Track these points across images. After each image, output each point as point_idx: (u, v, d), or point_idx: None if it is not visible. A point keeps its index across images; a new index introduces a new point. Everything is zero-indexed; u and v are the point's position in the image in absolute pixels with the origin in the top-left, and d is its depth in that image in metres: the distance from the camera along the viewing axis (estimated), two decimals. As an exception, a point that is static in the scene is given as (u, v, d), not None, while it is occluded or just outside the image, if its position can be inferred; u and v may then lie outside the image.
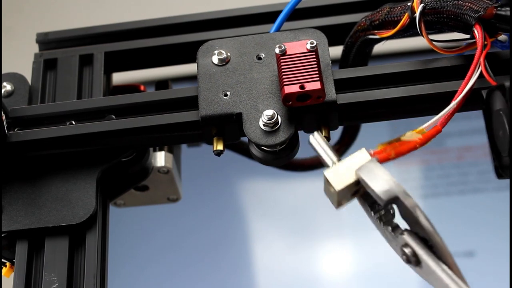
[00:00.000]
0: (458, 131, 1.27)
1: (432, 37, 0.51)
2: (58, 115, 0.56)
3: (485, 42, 0.49)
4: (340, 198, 0.46)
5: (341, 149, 0.66)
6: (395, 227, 0.45)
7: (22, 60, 0.73)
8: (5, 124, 0.54)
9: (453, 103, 0.48)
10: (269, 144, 0.51)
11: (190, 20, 0.63)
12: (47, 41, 0.63)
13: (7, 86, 0.59)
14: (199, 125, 0.53)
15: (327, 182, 0.46)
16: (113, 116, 0.55)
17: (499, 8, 0.49)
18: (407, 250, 0.44)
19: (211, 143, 0.53)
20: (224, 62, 0.54)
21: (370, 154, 0.46)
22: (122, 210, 0.67)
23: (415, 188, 1.24)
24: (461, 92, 0.48)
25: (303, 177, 1.12)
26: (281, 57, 0.51)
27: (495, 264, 1.12)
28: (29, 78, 0.60)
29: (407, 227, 0.45)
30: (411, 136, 0.47)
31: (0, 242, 0.53)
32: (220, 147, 0.53)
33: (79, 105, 0.56)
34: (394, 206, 0.45)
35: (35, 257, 0.52)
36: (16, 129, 0.55)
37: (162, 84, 0.64)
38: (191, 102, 0.54)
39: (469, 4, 0.49)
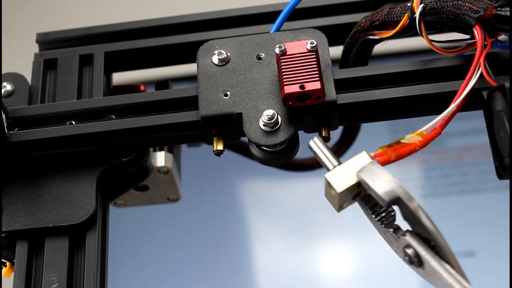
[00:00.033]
0: (458, 131, 1.27)
1: (432, 37, 0.51)
2: (58, 115, 0.56)
3: (485, 43, 0.49)
4: (341, 201, 0.46)
5: (341, 149, 0.66)
6: (397, 229, 0.45)
7: (22, 60, 0.73)
8: (5, 124, 0.54)
9: (453, 105, 0.48)
10: (269, 144, 0.51)
11: (190, 20, 0.63)
12: (47, 41, 0.63)
13: (7, 86, 0.59)
14: (199, 125, 0.53)
15: (328, 185, 0.46)
16: (113, 116, 0.55)
17: (499, 8, 0.49)
18: (409, 251, 0.44)
19: (211, 143, 0.53)
20: (224, 62, 0.54)
21: (371, 157, 0.46)
22: (122, 210, 0.67)
23: (415, 188, 1.24)
24: (461, 94, 0.48)
25: (303, 177, 1.12)
26: (281, 57, 0.51)
27: (495, 264, 1.12)
28: (29, 78, 0.60)
29: (408, 228, 0.45)
30: (411, 138, 0.47)
31: (0, 242, 0.53)
32: (220, 147, 0.53)
33: (79, 105, 0.56)
34: (395, 208, 0.45)
35: (35, 257, 0.52)
36: (16, 129, 0.55)
37: (162, 84, 0.65)
38: (191, 102, 0.54)
39: (469, 5, 0.49)
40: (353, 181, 0.45)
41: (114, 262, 0.96)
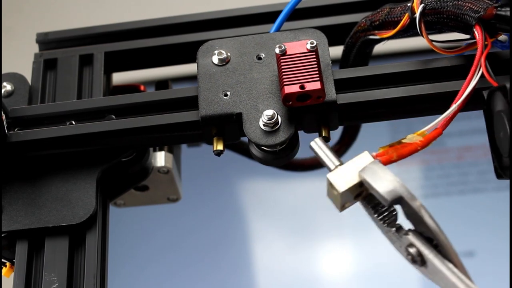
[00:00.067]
0: (458, 131, 1.27)
1: (432, 37, 0.51)
2: (58, 115, 0.56)
3: (486, 42, 0.49)
4: (343, 200, 0.46)
5: (341, 149, 0.66)
6: (399, 228, 0.45)
7: (22, 60, 0.73)
8: (5, 124, 0.54)
9: (454, 106, 0.48)
10: (269, 144, 0.51)
11: (190, 20, 0.63)
12: (47, 41, 0.63)
13: (7, 86, 0.59)
14: (199, 125, 0.53)
15: (330, 185, 0.46)
16: (113, 116, 0.55)
17: (499, 8, 0.49)
18: (412, 250, 0.44)
19: (211, 143, 0.53)
20: (224, 62, 0.54)
21: (373, 157, 0.46)
22: (122, 210, 0.67)
23: (415, 188, 1.24)
24: (462, 94, 0.48)
25: (303, 177, 1.12)
26: (281, 57, 0.51)
27: (495, 264, 1.12)
28: (29, 78, 0.60)
29: (411, 227, 0.45)
30: (413, 138, 0.47)
31: (0, 242, 0.53)
32: (220, 147, 0.53)
33: (79, 105, 0.56)
34: (397, 207, 0.45)
35: (35, 257, 0.52)
36: (16, 129, 0.55)
37: (162, 84, 0.64)
38: (191, 102, 0.54)
39: (469, 5, 0.49)
40: (355, 181, 0.45)
41: (114, 262, 0.96)
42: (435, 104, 0.52)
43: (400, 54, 1.16)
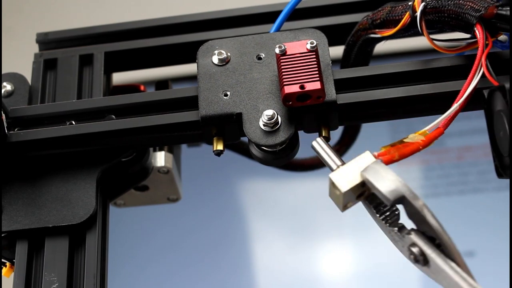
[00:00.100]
0: (458, 131, 1.27)
1: (432, 36, 0.51)
2: (58, 115, 0.56)
3: (486, 42, 0.49)
4: (345, 200, 0.46)
5: (341, 149, 0.66)
6: (401, 228, 0.45)
7: (22, 60, 0.73)
8: (5, 124, 0.54)
9: (456, 105, 0.48)
10: (269, 144, 0.51)
11: (190, 20, 0.63)
12: (47, 41, 0.63)
13: (7, 86, 0.59)
14: (199, 125, 0.53)
15: (332, 185, 0.46)
16: (113, 116, 0.55)
17: (500, 8, 0.49)
18: (414, 250, 0.44)
19: (211, 143, 0.53)
20: (224, 62, 0.54)
21: (374, 156, 0.46)
22: (122, 210, 0.67)
23: (415, 188, 1.23)
24: (464, 93, 0.48)
25: (303, 177, 1.12)
26: (281, 57, 0.51)
27: (495, 264, 1.12)
28: (29, 78, 0.60)
29: (413, 227, 0.45)
30: (414, 138, 0.47)
31: (0, 242, 0.53)
32: (220, 147, 0.53)
33: (79, 105, 0.56)
34: (399, 207, 0.45)
35: (35, 257, 0.52)
36: (16, 129, 0.55)
37: (162, 84, 0.64)
38: (191, 102, 0.54)
39: (470, 3, 0.49)
40: (357, 180, 0.45)
41: (114, 262, 0.96)
42: (435, 104, 0.52)
43: (400, 54, 1.16)
